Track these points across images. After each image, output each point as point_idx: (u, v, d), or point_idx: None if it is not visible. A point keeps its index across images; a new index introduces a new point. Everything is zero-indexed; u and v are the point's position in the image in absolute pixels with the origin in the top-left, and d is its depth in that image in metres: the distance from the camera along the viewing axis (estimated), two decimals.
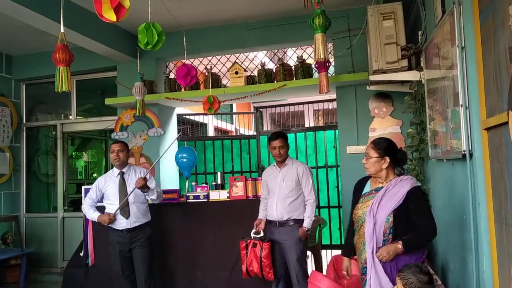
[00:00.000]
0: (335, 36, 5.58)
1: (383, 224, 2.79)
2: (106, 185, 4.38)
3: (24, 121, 7.29)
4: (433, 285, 2.37)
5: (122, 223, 4.26)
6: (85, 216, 5.07)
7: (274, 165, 4.39)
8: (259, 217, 4.34)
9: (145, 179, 4.17)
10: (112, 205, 4.32)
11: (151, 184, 4.36)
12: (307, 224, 4.12)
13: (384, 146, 2.91)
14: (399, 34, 4.23)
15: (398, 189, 2.81)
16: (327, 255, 6.34)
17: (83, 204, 4.49)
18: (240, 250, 4.26)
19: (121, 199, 4.26)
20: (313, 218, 4.17)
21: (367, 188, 3.04)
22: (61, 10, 3.32)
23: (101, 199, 4.45)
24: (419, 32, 4.21)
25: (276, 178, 4.27)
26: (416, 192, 2.80)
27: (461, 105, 2.85)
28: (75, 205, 7.30)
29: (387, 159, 2.86)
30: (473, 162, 2.75)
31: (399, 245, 2.75)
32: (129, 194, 4.22)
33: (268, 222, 4.26)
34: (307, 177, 4.22)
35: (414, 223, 2.78)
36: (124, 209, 4.24)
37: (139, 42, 3.33)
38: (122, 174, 4.39)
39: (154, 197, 4.33)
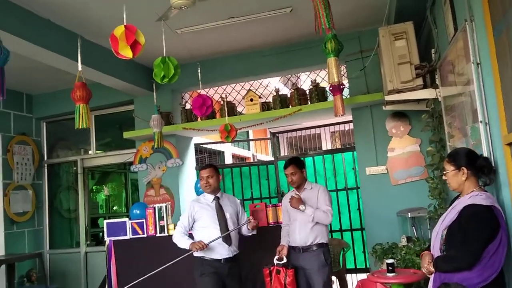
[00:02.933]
0: (348, 58, 5.60)
1: (439, 240, 2.67)
2: (201, 212, 4.12)
3: (46, 158, 7.41)
4: None
5: (222, 252, 3.98)
6: (108, 249, 5.09)
7: (293, 191, 4.37)
8: (281, 244, 4.29)
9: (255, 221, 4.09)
10: (205, 230, 4.04)
11: (244, 217, 4.30)
12: (310, 210, 4.01)
13: (459, 156, 2.68)
14: (412, 53, 4.24)
15: (461, 205, 2.57)
16: (352, 280, 6.22)
17: (174, 233, 4.15)
18: (264, 278, 4.20)
19: (221, 225, 4.01)
20: (316, 216, 4.01)
21: None
22: (79, 50, 3.42)
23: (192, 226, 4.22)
24: (432, 50, 4.21)
25: None
26: (467, 210, 2.50)
27: (481, 122, 2.82)
28: (97, 239, 7.35)
29: (465, 169, 2.61)
30: (497, 179, 2.70)
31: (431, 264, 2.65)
32: (233, 230, 4.04)
33: (291, 248, 4.20)
34: (325, 194, 4.17)
35: (454, 242, 2.56)
36: (226, 236, 3.99)
37: (155, 76, 3.39)
38: (217, 199, 4.17)
39: (254, 232, 4.23)
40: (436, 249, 2.69)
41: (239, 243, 4.20)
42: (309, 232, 4.08)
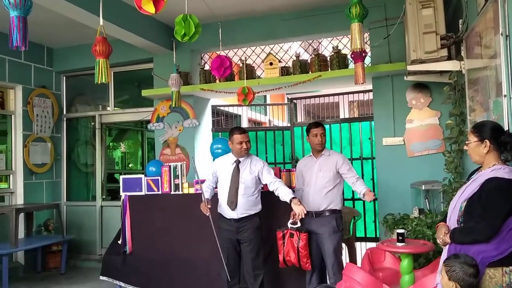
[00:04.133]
0: (371, 26, 5.47)
1: (457, 212, 2.63)
2: (220, 171, 4.25)
3: (65, 112, 7.51)
4: (477, 280, 2.30)
5: (227, 213, 4.14)
6: (123, 204, 5.21)
7: (310, 156, 4.37)
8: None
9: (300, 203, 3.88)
10: (221, 188, 4.20)
11: (270, 175, 4.17)
12: (367, 189, 4.02)
13: (485, 128, 2.61)
14: (438, 22, 4.12)
15: (483, 178, 2.51)
16: (361, 248, 6.29)
17: (203, 184, 4.39)
18: (277, 240, 4.24)
19: (231, 188, 4.10)
20: (364, 185, 4.09)
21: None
22: (100, 3, 3.40)
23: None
24: (460, 21, 4.09)
25: (312, 169, 4.24)
26: (489, 183, 2.45)
27: (505, 96, 2.77)
28: (112, 194, 7.51)
29: (487, 142, 2.54)
30: None
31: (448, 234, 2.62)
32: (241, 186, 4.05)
33: None
34: (349, 165, 4.23)
35: (473, 214, 2.52)
36: (232, 201, 4.09)
37: (176, 33, 3.36)
38: (238, 162, 4.19)
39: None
40: (452, 221, 2.66)
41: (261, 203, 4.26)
42: (323, 197, 4.12)
